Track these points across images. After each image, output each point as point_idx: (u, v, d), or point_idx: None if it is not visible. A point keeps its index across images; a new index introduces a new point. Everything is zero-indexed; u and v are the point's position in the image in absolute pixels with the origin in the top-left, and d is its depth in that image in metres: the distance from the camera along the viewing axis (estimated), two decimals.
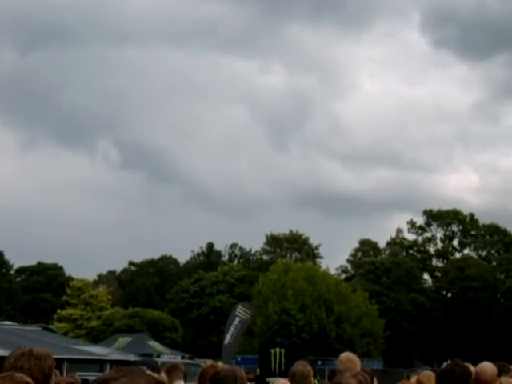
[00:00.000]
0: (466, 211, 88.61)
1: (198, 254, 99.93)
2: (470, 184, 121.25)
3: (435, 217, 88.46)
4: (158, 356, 41.48)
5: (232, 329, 40.52)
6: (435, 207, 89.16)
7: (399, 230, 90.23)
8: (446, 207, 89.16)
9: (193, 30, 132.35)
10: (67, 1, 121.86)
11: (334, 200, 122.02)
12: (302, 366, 7.44)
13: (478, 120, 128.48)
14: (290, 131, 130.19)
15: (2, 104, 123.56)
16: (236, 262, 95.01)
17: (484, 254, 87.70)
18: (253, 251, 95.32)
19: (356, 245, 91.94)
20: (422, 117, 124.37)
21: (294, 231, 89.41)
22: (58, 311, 77.35)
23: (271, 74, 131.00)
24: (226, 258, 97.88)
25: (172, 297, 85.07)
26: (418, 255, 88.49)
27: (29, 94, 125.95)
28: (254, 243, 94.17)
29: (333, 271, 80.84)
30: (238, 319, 41.02)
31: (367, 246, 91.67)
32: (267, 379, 19.94)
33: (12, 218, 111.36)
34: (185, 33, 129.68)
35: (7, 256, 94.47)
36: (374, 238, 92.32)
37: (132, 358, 28.92)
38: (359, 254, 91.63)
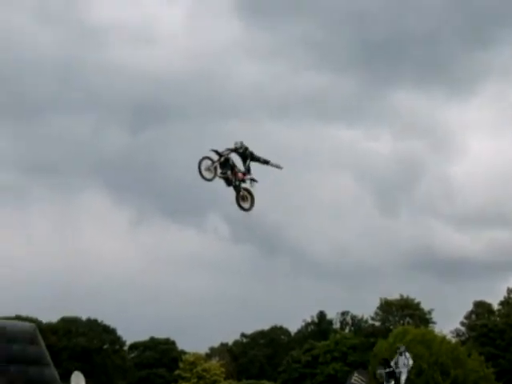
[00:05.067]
0: None
1: (309, 323, 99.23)
2: None
3: None
4: None
5: None
6: None
7: (510, 291, 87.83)
8: None
9: (295, 100, 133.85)
10: (174, 80, 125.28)
11: (446, 263, 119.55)
12: None
13: None
14: (398, 196, 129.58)
15: (114, 183, 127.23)
16: (347, 329, 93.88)
17: None
18: (364, 318, 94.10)
19: (470, 307, 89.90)
20: None
21: (405, 296, 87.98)
22: None
23: (376, 140, 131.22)
24: (337, 326, 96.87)
25: (284, 368, 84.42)
26: None
27: (139, 171, 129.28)
28: (365, 310, 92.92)
29: (446, 335, 78.87)
30: None
31: (481, 308, 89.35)
32: None
33: (124, 295, 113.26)
34: (286, 103, 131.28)
35: (120, 332, 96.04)
36: (488, 300, 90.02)
37: None
38: (473, 317, 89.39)
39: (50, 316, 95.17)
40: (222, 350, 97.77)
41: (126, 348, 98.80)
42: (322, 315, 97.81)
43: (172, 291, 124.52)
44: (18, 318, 72.56)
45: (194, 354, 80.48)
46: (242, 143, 19.37)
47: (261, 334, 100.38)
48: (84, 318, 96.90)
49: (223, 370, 79.26)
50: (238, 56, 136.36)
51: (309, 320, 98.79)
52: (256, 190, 19.84)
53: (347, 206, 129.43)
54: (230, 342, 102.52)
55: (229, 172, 19.08)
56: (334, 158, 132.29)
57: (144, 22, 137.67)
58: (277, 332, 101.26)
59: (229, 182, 19.28)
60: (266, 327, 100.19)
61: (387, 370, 23.16)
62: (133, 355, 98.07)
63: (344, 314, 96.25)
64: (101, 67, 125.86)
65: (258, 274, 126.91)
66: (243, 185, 19.59)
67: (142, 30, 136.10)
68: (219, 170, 18.91)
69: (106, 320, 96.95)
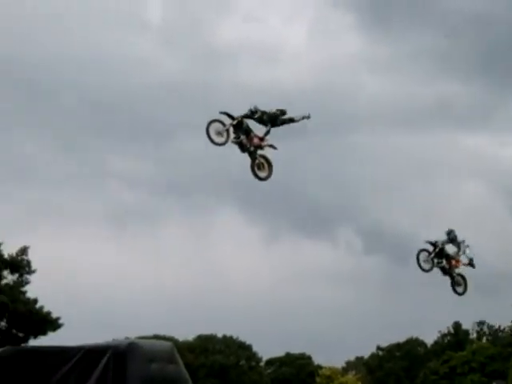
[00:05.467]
0: None
1: (445, 335, 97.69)
2: None
3: None
4: None
5: None
6: None
7: None
8: None
9: (421, 110, 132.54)
10: (299, 97, 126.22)
11: None
12: None
13: None
14: None
15: (246, 201, 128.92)
16: (484, 339, 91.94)
17: None
18: (502, 327, 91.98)
19: None
20: None
21: None
22: None
23: (506, 146, 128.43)
24: (473, 336, 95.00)
25: (421, 380, 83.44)
26: None
27: (270, 188, 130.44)
28: (503, 319, 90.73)
29: None
30: None
31: None
32: None
33: (259, 311, 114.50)
34: (412, 112, 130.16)
35: (256, 348, 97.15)
36: None
37: None
38: None
39: (186, 334, 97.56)
40: (358, 364, 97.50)
41: (262, 364, 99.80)
42: (457, 325, 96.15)
43: (306, 306, 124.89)
44: (156, 337, 74.72)
45: (330, 368, 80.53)
46: (256, 107, 17.75)
47: (397, 347, 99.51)
48: (220, 335, 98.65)
49: (360, 383, 79.05)
50: (361, 69, 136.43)
51: (445, 331, 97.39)
52: (273, 157, 17.97)
53: (479, 214, 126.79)
54: (366, 356, 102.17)
55: (243, 137, 17.48)
56: (463, 165, 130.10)
57: (268, 41, 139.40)
58: (413, 344, 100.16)
59: (243, 148, 17.70)
60: (402, 339, 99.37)
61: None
62: (269, 371, 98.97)
63: (480, 323, 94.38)
64: (228, 88, 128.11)
65: (391, 286, 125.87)
66: (260, 151, 17.92)
67: (266, 50, 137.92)
68: (232, 135, 17.33)
69: (241, 336, 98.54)
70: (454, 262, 19.23)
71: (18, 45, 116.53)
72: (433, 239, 19.54)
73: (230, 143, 17.24)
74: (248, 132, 17.51)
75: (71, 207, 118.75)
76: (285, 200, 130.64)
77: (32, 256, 55.53)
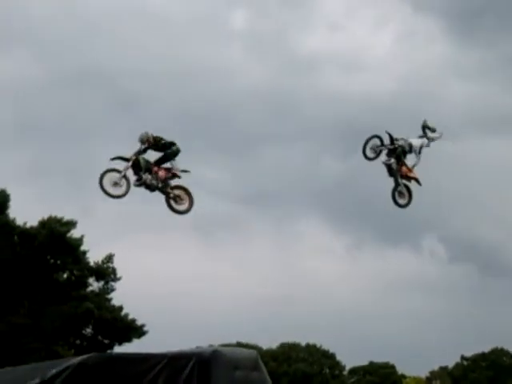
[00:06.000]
0: None
1: None
2: None
3: None
4: None
5: None
6: None
7: None
8: None
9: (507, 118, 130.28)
10: (384, 105, 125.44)
11: None
12: None
13: None
14: None
15: (331, 209, 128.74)
16: None
17: None
18: None
19: None
20: None
21: None
22: None
23: None
24: None
25: None
26: None
27: (353, 197, 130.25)
28: None
29: None
30: None
31: None
32: None
33: (342, 319, 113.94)
34: (503, 120, 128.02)
35: (339, 357, 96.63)
36: None
37: None
38: None
39: (270, 342, 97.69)
40: (442, 374, 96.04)
41: (345, 372, 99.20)
42: None
43: (391, 314, 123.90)
44: (239, 344, 74.98)
45: (414, 378, 79.77)
46: (145, 134, 16.12)
47: (482, 357, 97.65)
48: (303, 343, 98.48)
49: None
50: (449, 76, 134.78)
51: None
52: (190, 185, 16.41)
53: None
54: (450, 365, 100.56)
55: (145, 175, 15.92)
56: None
57: (353, 49, 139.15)
58: (498, 354, 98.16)
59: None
60: (487, 349, 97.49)
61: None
62: (353, 380, 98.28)
63: None
64: (312, 96, 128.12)
65: (476, 294, 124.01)
66: (173, 182, 16.39)
67: (351, 58, 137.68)
68: (132, 179, 15.86)
69: (325, 345, 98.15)
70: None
71: (103, 56, 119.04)
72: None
73: (132, 189, 15.78)
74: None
75: (158, 216, 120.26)
76: (369, 208, 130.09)
77: (117, 263, 56.48)
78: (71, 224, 53.85)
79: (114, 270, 55.97)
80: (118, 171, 15.65)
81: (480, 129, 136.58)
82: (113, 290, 56.32)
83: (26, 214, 54.28)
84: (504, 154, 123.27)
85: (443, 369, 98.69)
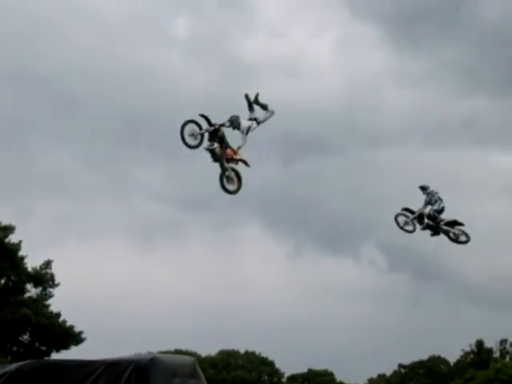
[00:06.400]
0: None
1: (468, 353, 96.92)
2: None
3: None
4: None
5: None
6: None
7: None
8: None
9: (451, 124, 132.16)
10: (323, 112, 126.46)
11: None
12: None
13: None
14: None
15: (269, 216, 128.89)
16: (508, 358, 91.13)
17: None
18: None
19: None
20: None
21: None
22: None
23: None
24: (497, 354, 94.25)
25: None
26: None
27: (293, 204, 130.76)
28: None
29: None
30: None
31: None
32: None
33: (281, 327, 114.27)
34: (437, 128, 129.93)
35: (278, 364, 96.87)
36: None
37: None
38: None
39: (208, 349, 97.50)
40: (381, 381, 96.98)
41: (284, 380, 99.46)
42: (480, 344, 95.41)
43: (329, 322, 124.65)
44: (178, 351, 74.73)
45: None
46: (234, 118, 16.86)
47: (419, 364, 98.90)
48: (242, 350, 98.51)
49: None
50: (388, 84, 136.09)
51: (468, 349, 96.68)
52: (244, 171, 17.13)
53: (506, 234, 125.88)
54: (388, 373, 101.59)
55: (217, 145, 16.62)
56: (488, 182, 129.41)
57: (292, 56, 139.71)
58: (435, 362, 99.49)
59: (216, 157, 16.81)
60: (425, 357, 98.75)
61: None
62: None
63: (503, 342, 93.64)
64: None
65: (414, 302, 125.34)
66: (231, 164, 17.11)
67: (290, 64, 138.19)
68: (207, 141, 16.54)
69: (264, 352, 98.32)
70: (229, 152, 16.86)
71: (41, 55, 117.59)
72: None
73: (202, 148, 16.57)
74: (223, 142, 16.79)
75: (95, 220, 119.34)
76: (309, 216, 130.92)
77: (55, 270, 55.88)
78: (9, 229, 53.14)
79: (52, 276, 55.37)
80: (200, 126, 16.32)
81: (419, 138, 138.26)
82: (51, 296, 55.69)
83: None
84: (442, 163, 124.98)
85: (381, 376, 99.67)
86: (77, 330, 54.87)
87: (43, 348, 54.42)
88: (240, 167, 17.26)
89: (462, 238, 20.06)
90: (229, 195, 16.94)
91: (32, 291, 55.25)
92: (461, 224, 20.30)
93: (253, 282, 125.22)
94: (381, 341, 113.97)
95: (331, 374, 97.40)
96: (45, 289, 55.47)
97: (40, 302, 54.93)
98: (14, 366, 10.73)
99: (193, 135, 16.20)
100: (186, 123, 16.14)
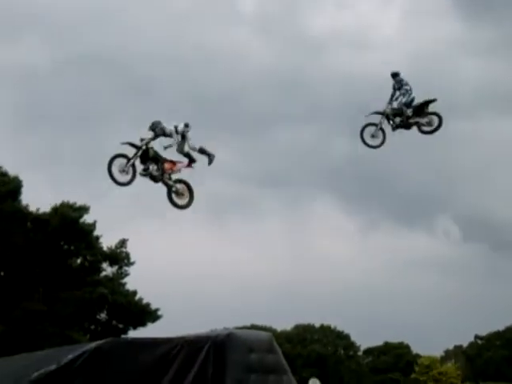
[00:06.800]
0: None
1: None
2: None
3: None
4: None
5: None
6: None
7: None
8: None
9: None
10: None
11: None
12: None
13: None
14: None
15: (343, 190, 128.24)
16: None
17: None
18: None
19: None
20: None
21: None
22: None
23: None
24: None
25: None
26: None
27: (366, 178, 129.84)
28: None
29: None
30: None
31: None
32: None
33: (357, 301, 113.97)
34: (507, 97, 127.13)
35: (354, 338, 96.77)
36: None
37: None
38: None
39: (284, 324, 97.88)
40: (457, 353, 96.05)
41: (360, 353, 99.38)
42: None
43: (405, 295, 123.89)
44: (254, 327, 75.14)
45: (429, 358, 79.57)
46: (158, 123, 15.89)
47: (496, 335, 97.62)
48: (318, 324, 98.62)
49: (459, 372, 77.85)
50: (458, 54, 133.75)
51: None
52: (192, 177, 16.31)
53: None
54: (465, 345, 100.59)
55: (152, 166, 15.79)
56: None
57: (360, 27, 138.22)
58: None
59: (155, 179, 15.96)
60: (501, 328, 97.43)
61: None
62: (367, 360, 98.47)
63: None
64: (320, 76, 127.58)
65: (490, 273, 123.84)
66: (175, 176, 16.28)
67: (358, 36, 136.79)
68: (140, 168, 15.69)
69: (339, 326, 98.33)
70: (167, 166, 15.82)
71: (121, 38, 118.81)
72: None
73: (137, 178, 15.56)
74: (158, 159, 15.83)
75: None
76: (383, 189, 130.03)
77: (130, 248, 56.57)
78: (84, 209, 53.89)
79: (127, 255, 56.10)
80: (127, 158, 15.41)
81: (491, 106, 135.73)
82: (126, 274, 56.47)
83: (38, 200, 54.45)
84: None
85: (458, 348, 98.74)
86: (153, 307, 55.56)
87: (120, 326, 55.27)
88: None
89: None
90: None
91: (108, 270, 56.16)
92: (432, 101, 18.29)
93: (328, 256, 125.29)
94: (457, 312, 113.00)
95: (407, 347, 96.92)
96: (120, 267, 56.26)
97: (116, 281, 55.75)
98: (93, 344, 10.81)
99: (123, 171, 15.31)
100: (110, 161, 15.15)
